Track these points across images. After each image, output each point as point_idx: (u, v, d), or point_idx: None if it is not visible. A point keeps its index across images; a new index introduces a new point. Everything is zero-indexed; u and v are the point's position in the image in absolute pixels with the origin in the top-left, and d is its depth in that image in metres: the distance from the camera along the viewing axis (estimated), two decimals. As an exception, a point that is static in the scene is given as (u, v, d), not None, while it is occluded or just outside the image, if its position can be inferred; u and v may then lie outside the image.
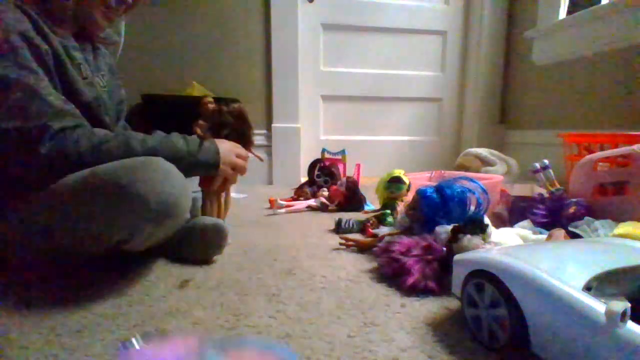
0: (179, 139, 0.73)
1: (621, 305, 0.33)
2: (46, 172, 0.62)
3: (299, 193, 1.46)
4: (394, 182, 1.09)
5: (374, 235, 0.89)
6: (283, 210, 1.25)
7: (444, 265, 0.62)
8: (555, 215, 0.85)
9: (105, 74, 0.84)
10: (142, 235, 0.62)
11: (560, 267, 0.43)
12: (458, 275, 0.51)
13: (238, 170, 0.83)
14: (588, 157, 0.95)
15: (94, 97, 0.75)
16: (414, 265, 0.62)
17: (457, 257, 0.52)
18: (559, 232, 0.73)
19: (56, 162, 0.61)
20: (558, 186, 0.97)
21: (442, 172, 1.27)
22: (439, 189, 0.77)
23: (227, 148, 0.80)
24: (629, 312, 0.33)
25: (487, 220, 0.69)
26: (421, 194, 0.77)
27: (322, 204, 1.30)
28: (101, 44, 0.85)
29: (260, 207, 1.33)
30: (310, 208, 1.32)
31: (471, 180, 0.79)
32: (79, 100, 0.70)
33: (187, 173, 0.71)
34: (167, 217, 0.61)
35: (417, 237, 0.69)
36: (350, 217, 1.05)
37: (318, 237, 0.96)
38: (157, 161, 0.62)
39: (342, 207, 1.29)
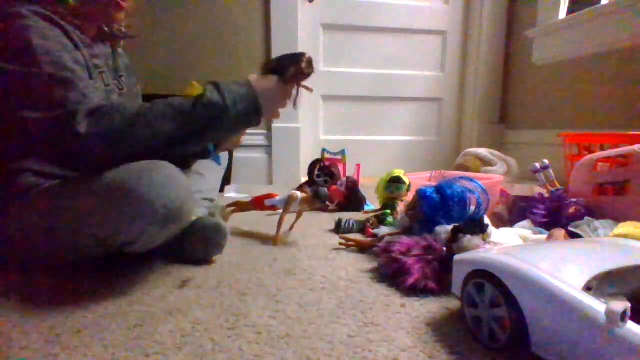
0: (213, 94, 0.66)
1: (621, 305, 0.33)
2: (94, 151, 0.61)
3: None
4: (394, 182, 1.09)
5: (374, 235, 0.89)
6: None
7: (444, 265, 0.62)
8: (555, 215, 0.85)
9: (124, 75, 0.85)
10: (146, 238, 0.62)
11: (560, 267, 0.43)
12: (458, 275, 0.51)
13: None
14: (588, 157, 0.95)
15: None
16: (414, 265, 0.62)
17: (457, 257, 0.52)
18: (559, 232, 0.73)
19: (99, 138, 0.60)
20: (558, 186, 0.97)
21: (442, 172, 1.27)
22: (439, 189, 0.77)
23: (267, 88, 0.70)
24: (629, 312, 0.33)
25: (487, 220, 0.69)
26: (421, 194, 0.77)
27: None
28: (122, 39, 0.85)
29: (260, 207, 1.33)
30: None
31: (471, 180, 0.79)
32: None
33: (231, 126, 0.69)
34: (172, 221, 0.62)
35: (417, 237, 0.69)
36: (350, 217, 1.05)
37: (318, 237, 0.96)
38: (162, 165, 0.62)
39: (342, 207, 1.29)
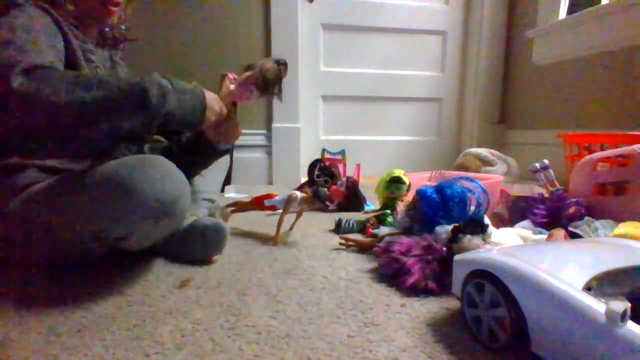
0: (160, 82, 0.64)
1: (621, 305, 0.33)
2: (25, 112, 0.55)
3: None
4: (394, 182, 1.09)
5: (374, 235, 0.89)
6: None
7: (444, 265, 0.62)
8: (555, 215, 0.85)
9: None
10: (140, 233, 0.62)
11: (560, 267, 0.43)
12: (458, 275, 0.51)
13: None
14: (588, 157, 0.95)
15: None
16: (414, 265, 0.62)
17: (457, 257, 0.52)
18: (559, 232, 0.73)
19: (31, 97, 0.54)
20: (558, 186, 0.97)
21: (442, 172, 1.27)
22: (439, 189, 0.76)
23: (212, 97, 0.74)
24: (629, 312, 0.33)
25: (487, 220, 0.69)
26: (421, 194, 0.77)
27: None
28: (122, 42, 0.87)
29: (260, 207, 1.33)
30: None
31: (471, 180, 0.79)
32: None
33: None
34: (166, 215, 0.62)
35: (417, 237, 0.69)
36: (350, 217, 1.05)
37: (318, 237, 0.96)
38: (157, 159, 0.62)
39: (342, 207, 1.29)
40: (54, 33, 0.67)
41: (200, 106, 0.70)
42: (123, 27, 0.85)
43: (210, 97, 0.73)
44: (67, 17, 0.72)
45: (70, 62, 0.70)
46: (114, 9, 0.77)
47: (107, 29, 0.82)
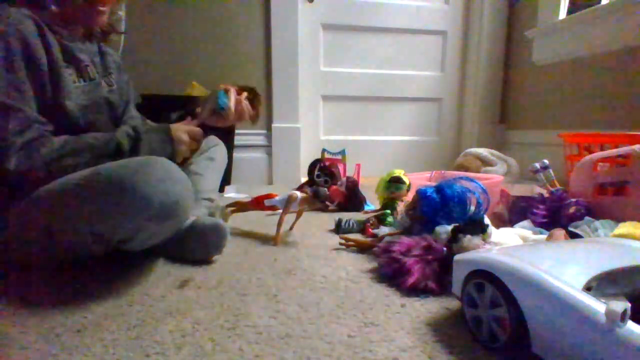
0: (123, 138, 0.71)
1: (621, 305, 0.33)
2: (20, 183, 0.64)
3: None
4: (394, 182, 1.09)
5: (374, 235, 0.89)
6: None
7: (444, 265, 0.62)
8: (555, 215, 0.85)
9: (114, 73, 0.86)
10: (143, 235, 0.62)
11: (560, 267, 0.43)
12: (458, 275, 0.51)
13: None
14: (588, 157, 0.95)
15: (96, 99, 0.77)
16: (414, 265, 0.62)
17: (457, 257, 0.52)
18: (559, 232, 0.73)
19: (26, 174, 0.62)
20: (558, 186, 0.97)
21: (442, 172, 1.27)
22: (439, 189, 0.77)
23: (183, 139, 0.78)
24: (629, 312, 0.33)
25: (487, 220, 0.69)
26: (421, 194, 0.77)
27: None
28: (110, 34, 0.87)
29: (260, 207, 1.33)
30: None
31: (471, 180, 0.79)
32: (68, 108, 0.71)
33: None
34: (169, 217, 0.62)
35: (417, 237, 0.69)
36: (350, 217, 1.05)
37: (318, 237, 0.96)
38: (160, 161, 0.62)
39: (342, 207, 1.29)
40: (34, 50, 0.66)
41: (168, 138, 0.75)
42: (122, 25, 0.85)
43: (178, 129, 0.78)
44: (52, 18, 0.71)
45: (53, 74, 0.69)
46: (102, 8, 0.75)
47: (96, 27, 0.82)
